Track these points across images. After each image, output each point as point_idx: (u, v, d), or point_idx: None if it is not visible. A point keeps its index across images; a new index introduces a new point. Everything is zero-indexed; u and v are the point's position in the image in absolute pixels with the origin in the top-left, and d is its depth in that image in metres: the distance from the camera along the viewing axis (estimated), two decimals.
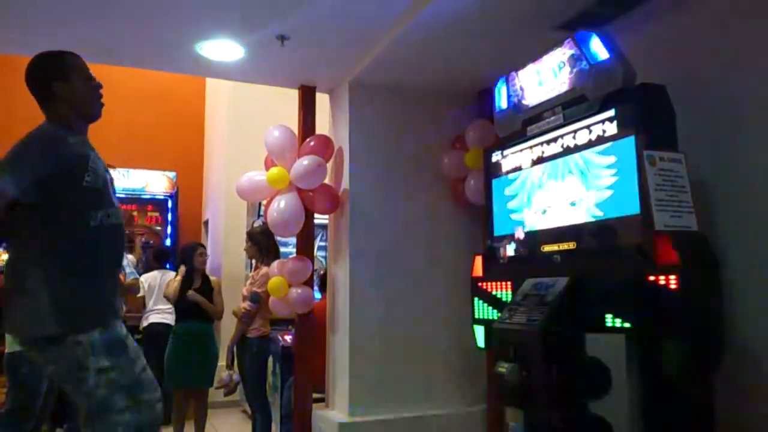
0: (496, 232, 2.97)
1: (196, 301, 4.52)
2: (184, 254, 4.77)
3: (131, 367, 2.08)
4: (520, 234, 2.77)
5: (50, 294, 1.98)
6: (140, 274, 5.75)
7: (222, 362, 4.76)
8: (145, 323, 5.49)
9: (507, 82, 2.86)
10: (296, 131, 4.02)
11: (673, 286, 1.98)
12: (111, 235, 2.15)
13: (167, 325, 5.04)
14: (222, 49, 3.57)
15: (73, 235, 2.06)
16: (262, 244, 4.54)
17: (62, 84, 2.13)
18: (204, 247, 4.96)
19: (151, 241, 7.38)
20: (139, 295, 5.42)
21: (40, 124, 2.14)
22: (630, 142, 2.21)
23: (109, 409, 2.00)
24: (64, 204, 2.03)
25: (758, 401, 2.32)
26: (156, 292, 5.50)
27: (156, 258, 6.04)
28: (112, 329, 2.07)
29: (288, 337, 4.68)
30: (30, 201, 1.97)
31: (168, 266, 5.93)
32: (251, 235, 4.65)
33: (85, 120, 2.21)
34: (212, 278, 4.83)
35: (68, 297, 2.01)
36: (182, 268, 4.66)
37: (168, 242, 7.44)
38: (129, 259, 4.97)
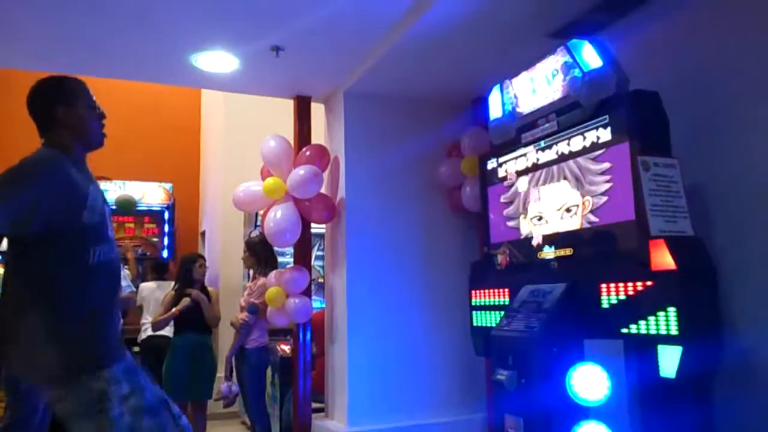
0: (493, 240, 2.97)
1: (198, 301, 4.50)
2: (184, 266, 4.76)
3: (150, 388, 2.03)
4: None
5: (58, 338, 1.87)
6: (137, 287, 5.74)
7: (221, 373, 4.74)
8: (143, 336, 5.47)
9: (501, 89, 2.88)
10: (292, 141, 4.03)
11: (669, 291, 1.98)
12: (109, 271, 2.06)
13: (166, 338, 5.02)
14: (217, 60, 3.58)
15: (74, 273, 1.94)
16: (260, 255, 4.53)
17: (66, 108, 2.04)
18: (203, 258, 4.94)
19: (148, 253, 7.36)
20: (137, 305, 5.41)
21: (37, 149, 2.02)
22: (624, 148, 2.23)
23: None
24: (62, 239, 1.92)
25: (757, 403, 2.32)
26: (153, 305, 5.48)
27: (155, 270, 6.01)
28: (125, 357, 2.03)
29: (286, 347, 4.66)
30: (22, 234, 1.86)
31: (166, 278, 5.91)
32: (250, 245, 4.64)
33: (87, 148, 2.11)
34: (210, 289, 4.82)
35: (76, 342, 1.91)
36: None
37: (165, 254, 7.42)
38: (125, 273, 4.95)
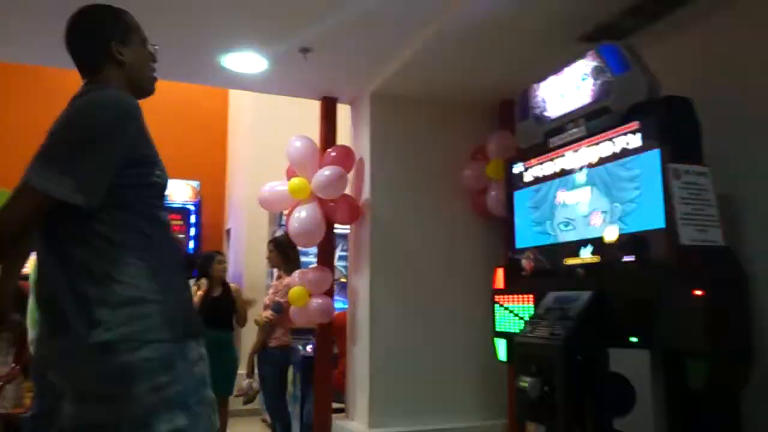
0: (518, 245, 2.95)
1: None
2: (204, 263, 4.80)
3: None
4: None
5: (161, 293, 1.48)
6: None
7: (242, 370, 4.78)
8: None
9: (529, 93, 2.85)
10: (318, 142, 4.05)
11: (699, 301, 1.94)
12: (173, 239, 1.71)
13: None
14: (245, 61, 3.61)
15: (149, 239, 1.55)
16: (289, 254, 4.55)
17: (122, 46, 1.67)
18: (222, 254, 4.98)
19: None
20: None
21: (92, 89, 1.59)
22: (654, 155, 2.19)
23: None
24: (134, 198, 1.57)
25: None
26: None
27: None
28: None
29: (309, 347, 4.68)
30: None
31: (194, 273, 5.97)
32: (278, 244, 4.64)
33: (139, 95, 1.73)
34: (231, 285, 4.85)
35: (179, 301, 1.56)
36: (203, 281, 4.67)
37: (191, 250, 7.52)
38: None
